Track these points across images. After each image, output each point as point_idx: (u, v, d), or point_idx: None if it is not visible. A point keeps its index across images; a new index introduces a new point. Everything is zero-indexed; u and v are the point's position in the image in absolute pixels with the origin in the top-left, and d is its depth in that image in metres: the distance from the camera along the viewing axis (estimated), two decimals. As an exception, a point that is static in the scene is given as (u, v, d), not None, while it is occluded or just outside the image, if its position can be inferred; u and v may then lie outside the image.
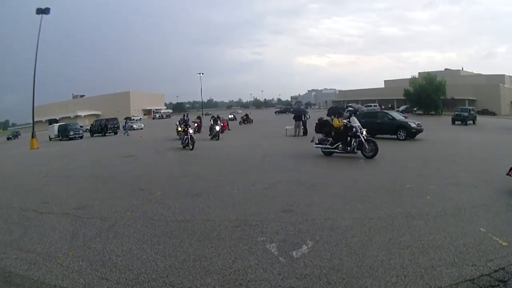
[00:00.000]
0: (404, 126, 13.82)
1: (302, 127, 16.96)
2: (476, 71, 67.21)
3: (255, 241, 3.50)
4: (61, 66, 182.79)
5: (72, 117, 72.07)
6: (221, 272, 2.87)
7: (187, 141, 13.17)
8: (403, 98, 45.84)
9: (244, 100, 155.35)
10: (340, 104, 50.24)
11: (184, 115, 20.87)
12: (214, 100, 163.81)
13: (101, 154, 13.46)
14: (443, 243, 3.23)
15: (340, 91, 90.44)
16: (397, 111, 28.98)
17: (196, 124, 21.39)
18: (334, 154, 9.52)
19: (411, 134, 13.54)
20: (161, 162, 10.31)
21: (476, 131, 20.15)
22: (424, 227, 3.68)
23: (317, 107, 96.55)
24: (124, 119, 38.74)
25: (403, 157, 9.15)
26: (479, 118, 30.88)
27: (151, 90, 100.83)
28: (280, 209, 4.56)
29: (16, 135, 48.56)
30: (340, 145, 9.13)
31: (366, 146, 8.78)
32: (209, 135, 17.75)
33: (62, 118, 66.48)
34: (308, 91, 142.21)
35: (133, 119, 53.73)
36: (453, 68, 66.47)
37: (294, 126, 17.10)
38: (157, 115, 77.05)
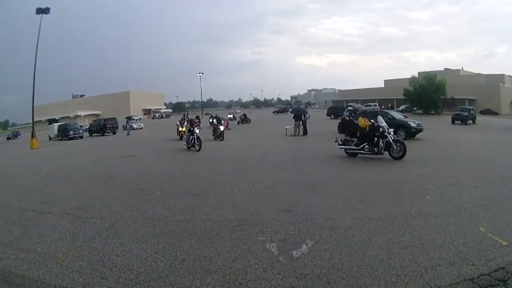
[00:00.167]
0: (404, 126, 13.82)
1: (302, 126, 16.95)
2: (476, 71, 67.33)
3: (255, 241, 3.50)
4: (61, 66, 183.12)
5: (72, 117, 72.06)
6: (221, 272, 2.87)
7: (193, 141, 12.48)
8: (403, 97, 45.86)
9: (244, 100, 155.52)
10: (340, 104, 50.17)
11: (184, 115, 20.83)
12: (214, 99, 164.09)
13: (101, 154, 13.46)
14: (443, 243, 3.23)
15: (340, 91, 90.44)
16: (397, 110, 29.01)
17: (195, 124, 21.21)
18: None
19: (411, 133, 13.55)
20: (166, 163, 10.30)
21: (476, 130, 20.15)
22: (424, 227, 3.68)
23: (317, 106, 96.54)
24: (126, 118, 38.74)
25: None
26: (481, 118, 30.90)
27: (151, 90, 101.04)
28: (280, 209, 4.55)
29: (16, 135, 48.63)
30: (366, 146, 8.68)
31: (394, 146, 8.38)
32: (213, 135, 17.24)
33: (62, 118, 66.49)
34: (308, 90, 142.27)
35: (134, 119, 53.71)
36: (453, 68, 66.50)
37: (294, 126, 17.09)
38: (157, 115, 77.02)
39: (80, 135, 27.56)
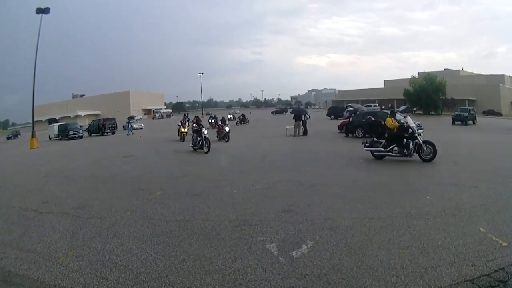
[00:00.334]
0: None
1: (302, 127, 16.95)
2: (476, 71, 67.35)
3: (255, 241, 3.50)
4: (61, 66, 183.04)
5: (72, 116, 72.04)
6: (221, 272, 2.87)
7: (200, 143, 11.67)
8: (403, 98, 45.88)
9: (244, 100, 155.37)
10: (340, 104, 50.17)
11: (185, 115, 20.69)
12: (214, 100, 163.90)
13: (101, 154, 13.45)
14: (443, 243, 3.23)
15: (340, 91, 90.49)
16: (397, 111, 28.98)
17: (196, 125, 20.65)
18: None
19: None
20: (166, 163, 10.29)
21: (476, 131, 20.14)
22: (424, 227, 3.68)
23: (317, 107, 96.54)
24: (128, 118, 38.77)
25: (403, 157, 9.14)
26: (483, 119, 30.88)
27: (151, 90, 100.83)
28: (280, 209, 4.56)
29: (16, 135, 48.64)
30: (395, 148, 8.27)
31: (425, 148, 7.99)
32: (217, 136, 16.54)
33: (62, 118, 66.48)
34: (308, 91, 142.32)
35: (135, 119, 53.71)
36: (453, 68, 66.49)
37: (294, 126, 17.09)
38: (157, 115, 76.98)
39: (80, 135, 27.56)
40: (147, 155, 12.26)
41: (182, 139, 17.23)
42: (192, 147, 12.20)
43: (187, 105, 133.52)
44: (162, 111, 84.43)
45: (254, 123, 32.78)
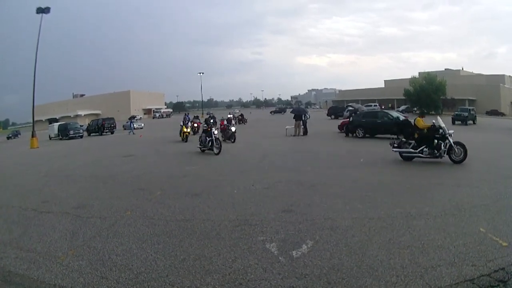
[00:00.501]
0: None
1: (303, 127, 16.94)
2: (476, 71, 67.27)
3: (255, 241, 3.50)
4: (61, 66, 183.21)
5: (72, 116, 71.96)
6: (221, 272, 2.87)
7: (210, 143, 11.01)
8: (403, 98, 45.82)
9: (245, 100, 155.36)
10: (340, 104, 50.17)
11: (185, 114, 20.59)
12: (214, 99, 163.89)
13: (101, 154, 13.45)
14: (443, 243, 3.23)
15: (340, 91, 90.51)
16: (397, 111, 28.97)
17: (196, 125, 20.17)
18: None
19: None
20: (166, 164, 10.29)
21: (476, 131, 20.12)
22: (424, 227, 3.68)
23: (317, 107, 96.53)
24: (129, 118, 38.77)
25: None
26: (484, 119, 30.86)
27: (151, 89, 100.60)
28: (280, 209, 4.56)
29: (16, 135, 48.65)
30: (425, 149, 7.99)
31: (455, 149, 7.74)
32: (222, 136, 15.61)
33: (62, 118, 66.45)
34: (308, 90, 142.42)
35: (136, 118, 53.66)
36: (453, 68, 66.44)
37: (294, 126, 17.08)
38: (157, 115, 76.93)
39: (80, 134, 27.58)
40: (147, 154, 12.24)
41: (185, 139, 16.59)
42: (200, 148, 11.54)
43: (187, 104, 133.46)
44: (162, 110, 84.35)
45: (254, 123, 32.75)
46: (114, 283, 2.75)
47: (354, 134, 15.18)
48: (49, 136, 30.25)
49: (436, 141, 7.91)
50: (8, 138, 45.23)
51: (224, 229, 3.89)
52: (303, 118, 17.06)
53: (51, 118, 65.26)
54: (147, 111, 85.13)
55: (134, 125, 30.67)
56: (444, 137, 7.88)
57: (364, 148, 11.14)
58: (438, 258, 2.93)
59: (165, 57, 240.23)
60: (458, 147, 7.82)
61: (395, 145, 8.63)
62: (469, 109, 28.44)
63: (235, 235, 3.70)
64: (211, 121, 16.99)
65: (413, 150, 8.22)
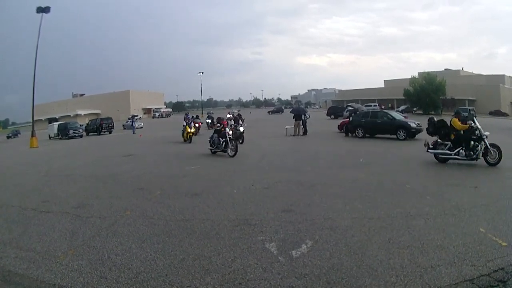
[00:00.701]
0: (404, 126, 13.83)
1: (302, 126, 16.95)
2: (476, 71, 67.25)
3: (254, 241, 3.50)
4: (61, 66, 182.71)
5: (72, 116, 71.89)
6: (221, 271, 2.87)
7: (224, 144, 10.24)
8: (403, 98, 45.84)
9: (244, 100, 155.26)
10: (340, 104, 50.15)
11: (186, 114, 20.53)
12: (214, 99, 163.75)
13: (101, 153, 13.44)
14: (443, 243, 3.23)
15: (340, 91, 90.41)
16: (397, 111, 28.97)
17: (198, 125, 19.95)
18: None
19: (411, 134, 13.55)
20: (167, 164, 10.28)
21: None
22: (424, 227, 3.68)
23: (317, 106, 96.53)
24: (130, 118, 38.76)
25: (402, 157, 9.15)
26: (486, 119, 30.81)
27: (151, 89, 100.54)
28: (280, 209, 4.56)
29: (16, 134, 48.63)
30: (461, 151, 7.68)
31: (491, 151, 7.45)
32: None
33: (62, 117, 66.36)
34: (308, 90, 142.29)
35: (136, 118, 53.59)
36: (453, 68, 66.45)
37: (294, 126, 17.09)
38: (157, 114, 76.88)
39: (80, 134, 27.60)
40: (146, 154, 12.24)
41: (189, 140, 15.64)
42: (211, 149, 10.80)
43: (187, 104, 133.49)
44: (162, 110, 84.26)
45: (253, 123, 32.70)
46: (113, 283, 2.75)
47: (354, 134, 15.21)
48: (49, 135, 30.30)
49: (472, 142, 7.63)
50: (8, 137, 45.22)
51: (224, 229, 3.89)
52: (303, 118, 17.06)
53: (51, 118, 65.22)
54: (147, 111, 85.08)
55: (135, 124, 30.73)
56: (480, 139, 7.60)
57: (364, 148, 11.15)
58: (438, 258, 2.93)
59: (165, 57, 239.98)
60: (493, 149, 7.54)
61: (431, 146, 8.31)
62: (469, 109, 28.48)
63: (234, 234, 3.70)
64: (209, 121, 16.20)
65: (449, 152, 7.93)
